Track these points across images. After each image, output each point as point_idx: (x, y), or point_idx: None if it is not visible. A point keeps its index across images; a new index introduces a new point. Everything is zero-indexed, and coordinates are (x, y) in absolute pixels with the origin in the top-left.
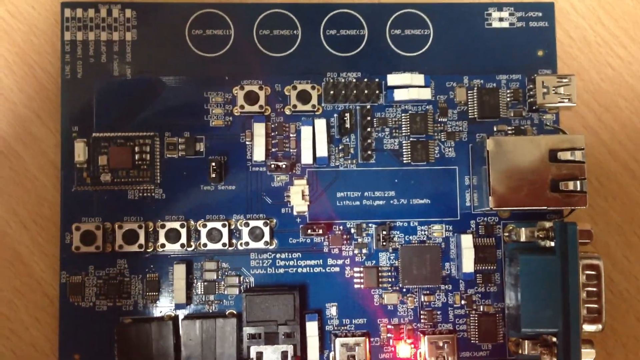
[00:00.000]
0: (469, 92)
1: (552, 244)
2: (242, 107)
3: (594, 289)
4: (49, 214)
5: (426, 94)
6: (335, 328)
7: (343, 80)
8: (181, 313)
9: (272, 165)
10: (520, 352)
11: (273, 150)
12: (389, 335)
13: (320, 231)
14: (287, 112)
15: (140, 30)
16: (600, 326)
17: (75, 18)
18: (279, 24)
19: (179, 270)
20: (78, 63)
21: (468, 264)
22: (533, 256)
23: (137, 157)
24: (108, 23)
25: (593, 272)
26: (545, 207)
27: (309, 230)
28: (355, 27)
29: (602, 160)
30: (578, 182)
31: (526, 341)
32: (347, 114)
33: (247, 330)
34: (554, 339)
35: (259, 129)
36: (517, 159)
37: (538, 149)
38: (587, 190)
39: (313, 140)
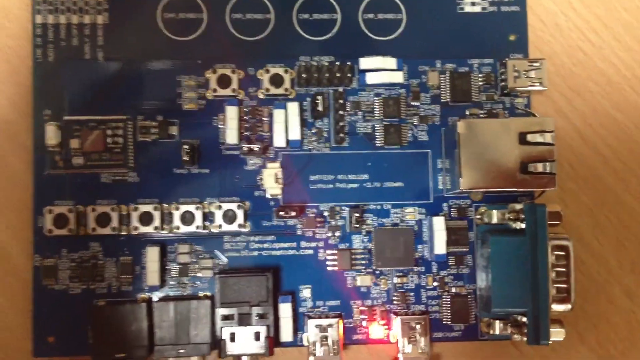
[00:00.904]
0: (441, 76)
1: (523, 225)
2: (214, 90)
3: (563, 270)
4: (22, 198)
5: (398, 77)
6: (309, 310)
7: (316, 64)
8: (155, 295)
9: (245, 149)
10: (491, 332)
11: (246, 133)
12: (362, 316)
13: (294, 213)
14: (260, 95)
15: (112, 13)
16: (569, 306)
17: (47, 1)
18: (252, 7)
19: (152, 253)
20: (49, 46)
21: (440, 246)
22: (503, 237)
23: (109, 140)
24: (80, 6)
25: (562, 253)
26: (515, 189)
27: (282, 213)
28: (328, 11)
29: (573, 144)
30: (547, 164)
31: (497, 321)
32: (320, 97)
33: (221, 311)
34: (524, 319)
35: (232, 112)
36: (487, 141)
37: (508, 131)
38: (557, 172)
39: (286, 124)
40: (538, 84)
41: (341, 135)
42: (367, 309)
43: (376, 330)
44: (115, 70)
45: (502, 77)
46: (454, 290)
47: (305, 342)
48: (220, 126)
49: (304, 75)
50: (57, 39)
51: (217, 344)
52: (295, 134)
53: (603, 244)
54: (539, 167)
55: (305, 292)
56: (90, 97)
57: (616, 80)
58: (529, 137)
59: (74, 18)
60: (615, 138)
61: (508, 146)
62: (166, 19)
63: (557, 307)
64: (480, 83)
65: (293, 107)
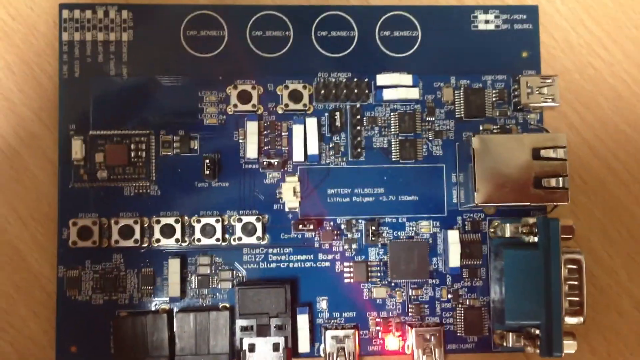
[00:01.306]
0: (455, 92)
1: (536, 239)
2: (235, 106)
3: (576, 283)
4: (47, 210)
5: (414, 93)
6: (326, 321)
7: (333, 80)
8: (176, 306)
9: (265, 162)
10: (504, 344)
11: (265, 148)
12: (377, 328)
13: (311, 226)
14: (279, 111)
15: (137, 31)
16: (581, 319)
17: (73, 19)
18: (271, 25)
19: (174, 265)
20: (75, 63)
21: (454, 259)
22: (517, 250)
23: (132, 154)
24: (105, 24)
25: (575, 267)
26: (529, 203)
27: (300, 226)
28: (345, 28)
29: (584, 159)
30: (560, 179)
31: (510, 333)
32: (338, 113)
33: (240, 322)
34: (537, 332)
35: (252, 127)
36: (501, 156)
37: (522, 147)
38: (570, 187)
39: (304, 139)
40: (550, 100)
41: (358, 149)
42: (382, 320)
43: (391, 341)
44: (138, 86)
45: (515, 93)
46: (467, 302)
47: (322, 353)
48: (240, 140)
49: (322, 91)
50: (83, 56)
51: (235, 354)
52: (313, 148)
53: (613, 257)
54: (552, 182)
55: (322, 304)
56: (114, 112)
57: (626, 96)
58: (542, 153)
59: (99, 35)
60: (625, 152)
61: (521, 161)
62: (188, 36)
63: (569, 320)
64: (494, 99)
65: (312, 123)
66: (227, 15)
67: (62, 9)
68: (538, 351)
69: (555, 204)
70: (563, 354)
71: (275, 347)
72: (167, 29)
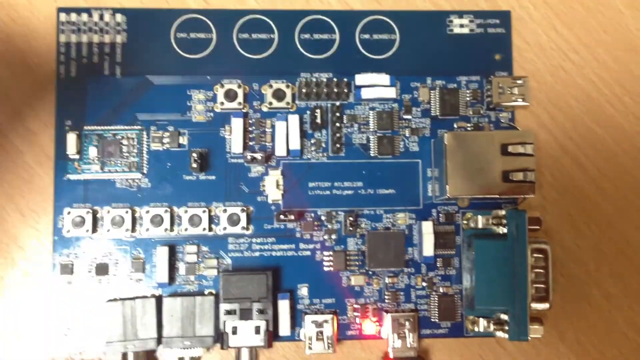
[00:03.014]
0: (431, 91)
1: (505, 230)
2: (222, 103)
3: (542, 271)
4: (44, 202)
5: (391, 92)
6: (306, 307)
7: (315, 79)
8: (164, 292)
9: (249, 157)
10: (475, 329)
11: (250, 143)
12: (355, 314)
13: (293, 217)
14: (264, 109)
15: (130, 34)
16: (547, 305)
17: (70, 22)
18: (257, 28)
19: (162, 253)
20: (72, 63)
21: (428, 248)
22: (487, 240)
23: (124, 149)
24: (100, 27)
25: (541, 256)
26: (497, 196)
27: (282, 216)
28: (327, 31)
29: (554, 156)
30: (527, 174)
31: (481, 319)
32: (319, 110)
33: (224, 306)
34: (506, 317)
35: (237, 124)
36: (472, 152)
37: (492, 143)
38: (540, 182)
39: (287, 135)
40: (521, 100)
41: (338, 145)
42: (360, 306)
43: (368, 326)
44: (131, 85)
45: (488, 93)
46: (441, 290)
47: (302, 337)
48: (226, 136)
49: (304, 90)
50: (79, 57)
51: (220, 337)
52: (295, 144)
53: (582, 248)
54: (520, 175)
55: (303, 291)
56: (108, 109)
57: (595, 97)
58: (510, 149)
59: (95, 37)
60: (593, 150)
61: (491, 157)
62: (179, 38)
63: (536, 306)
64: (468, 98)
65: (294, 120)
66: (215, 19)
67: (60, 12)
68: (507, 336)
69: (523, 196)
70: (530, 338)
71: (257, 329)
72: (158, 32)
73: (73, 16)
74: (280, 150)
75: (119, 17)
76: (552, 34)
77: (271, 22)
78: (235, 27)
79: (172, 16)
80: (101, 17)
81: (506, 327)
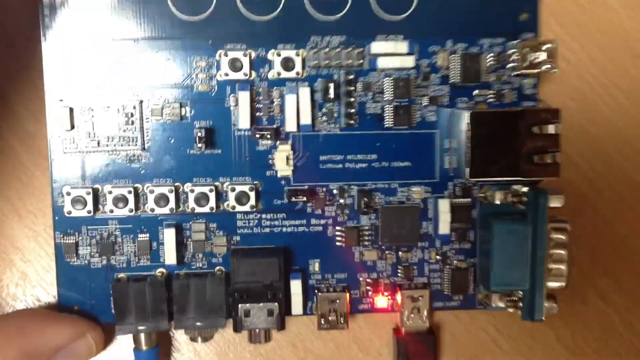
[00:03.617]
0: (451, 56)
1: (524, 207)
2: (226, 74)
3: (559, 251)
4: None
5: (409, 62)
6: (318, 282)
7: (327, 45)
8: (173, 270)
9: (257, 134)
10: (488, 303)
11: (258, 114)
12: (367, 288)
13: (305, 198)
14: (271, 76)
15: None
16: (564, 283)
17: None
18: None
19: (169, 234)
20: (58, 27)
21: (444, 227)
22: (505, 223)
23: (123, 122)
24: None
25: (560, 235)
26: (520, 179)
27: (293, 198)
28: None
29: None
30: (552, 155)
31: (494, 294)
32: (332, 84)
33: (235, 289)
34: (520, 294)
35: (244, 98)
36: (495, 132)
37: (515, 122)
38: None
39: (297, 110)
40: (548, 66)
41: (351, 116)
42: (372, 281)
43: (381, 300)
44: (125, 52)
45: (513, 57)
46: (455, 263)
47: (314, 312)
48: (231, 107)
49: (315, 58)
50: (63, 23)
51: (231, 315)
52: (306, 119)
53: (579, 249)
54: (545, 158)
55: (315, 266)
56: (101, 80)
57: (590, 97)
58: (534, 129)
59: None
60: (589, 150)
61: (514, 137)
62: None
63: (551, 285)
64: (490, 63)
65: (304, 93)
66: None
67: None
68: (519, 312)
69: (545, 179)
70: (544, 318)
71: (270, 312)
72: None
73: None
74: (290, 126)
75: None
76: (548, 34)
77: None
78: None
79: None
80: None
81: (520, 304)
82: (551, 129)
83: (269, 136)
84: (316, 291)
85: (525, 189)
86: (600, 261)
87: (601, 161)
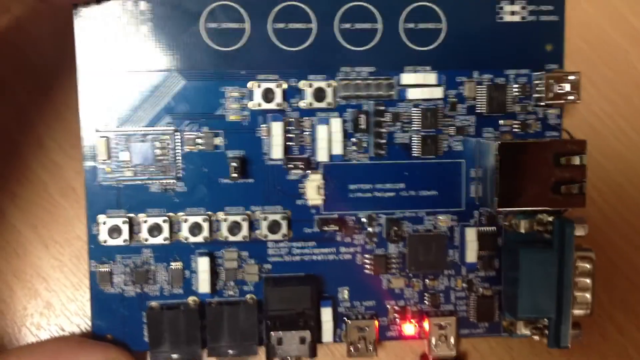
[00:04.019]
0: (477, 87)
1: (549, 236)
2: (259, 104)
3: (584, 279)
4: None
5: (438, 93)
6: (347, 310)
7: (357, 75)
8: (205, 299)
9: (289, 164)
10: (513, 330)
11: (289, 144)
12: (395, 315)
13: (337, 227)
14: (302, 105)
15: (155, 24)
16: (589, 311)
17: (90, 16)
18: (294, 17)
19: (203, 263)
20: (93, 61)
21: (471, 255)
22: (533, 251)
23: (157, 152)
24: (122, 17)
25: (585, 264)
26: (547, 208)
27: (325, 227)
28: (369, 20)
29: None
30: (579, 186)
31: (519, 322)
32: (363, 115)
33: (268, 317)
34: (546, 322)
35: (277, 129)
36: (522, 162)
37: (542, 153)
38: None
39: (329, 140)
40: (572, 97)
41: (380, 146)
42: (400, 309)
43: (408, 328)
44: (159, 82)
45: (537, 88)
46: (480, 291)
47: (343, 339)
48: (263, 137)
49: (345, 88)
50: (100, 53)
51: (263, 344)
52: (338, 149)
53: (596, 282)
54: (573, 189)
55: (344, 294)
56: (136, 109)
57: (602, 132)
58: (562, 160)
59: (117, 29)
60: (603, 184)
61: (541, 167)
62: (209, 28)
63: (577, 312)
64: (515, 93)
65: (336, 124)
66: (248, 7)
67: (76, 7)
68: (545, 340)
69: (570, 208)
70: (570, 345)
71: (302, 339)
72: (186, 21)
73: (90, 10)
74: (322, 156)
75: (143, 5)
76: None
77: (309, 10)
78: (270, 16)
79: (202, 4)
80: (123, 6)
81: (545, 331)
82: (577, 160)
83: (301, 166)
84: (345, 319)
85: (550, 218)
86: (618, 295)
87: (615, 195)
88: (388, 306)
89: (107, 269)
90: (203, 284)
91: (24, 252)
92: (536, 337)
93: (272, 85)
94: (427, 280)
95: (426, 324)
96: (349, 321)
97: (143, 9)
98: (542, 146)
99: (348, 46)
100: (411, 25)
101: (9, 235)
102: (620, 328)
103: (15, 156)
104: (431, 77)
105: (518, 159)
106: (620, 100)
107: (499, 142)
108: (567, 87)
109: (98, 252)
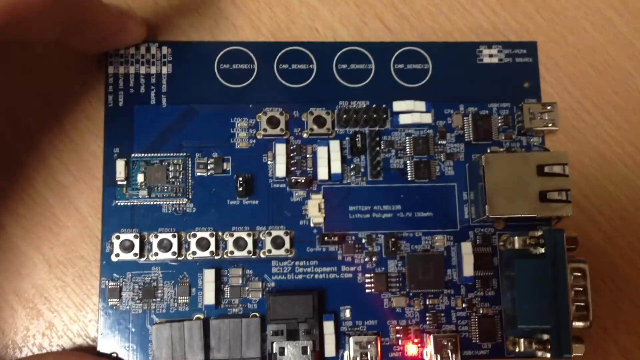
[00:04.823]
0: (464, 118)
1: (542, 250)
2: (265, 130)
3: (581, 289)
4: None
5: (427, 118)
6: (349, 329)
7: (354, 107)
8: (210, 314)
9: (292, 180)
10: (517, 350)
11: (292, 169)
12: (397, 335)
13: (336, 239)
14: (305, 135)
15: (175, 65)
16: (588, 323)
17: (119, 54)
18: (296, 59)
19: (209, 275)
20: (120, 93)
21: (468, 269)
22: (527, 260)
23: (170, 175)
24: (147, 58)
25: (580, 274)
26: (536, 215)
27: (326, 238)
28: (363, 62)
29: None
30: (564, 193)
31: (522, 339)
32: (359, 135)
33: (271, 327)
34: (547, 337)
35: (280, 149)
36: (509, 173)
37: (527, 164)
38: (572, 200)
39: (328, 160)
40: (551, 125)
41: (377, 170)
42: (402, 328)
43: (411, 348)
44: (176, 114)
45: (519, 119)
46: (481, 311)
47: (346, 359)
48: (268, 162)
49: (343, 117)
50: (126, 87)
51: (266, 358)
52: (336, 168)
53: (600, 305)
54: (556, 195)
55: (346, 313)
56: (154, 137)
57: (608, 155)
58: (547, 169)
59: (142, 69)
60: (607, 207)
61: (527, 177)
62: (222, 69)
63: (576, 324)
64: (500, 124)
65: (335, 145)
66: (257, 51)
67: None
68: (549, 355)
69: (560, 215)
70: (572, 356)
71: (304, 350)
72: (202, 63)
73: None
74: (322, 174)
75: (165, 50)
76: (565, 96)
77: (310, 54)
78: (276, 59)
79: (216, 48)
80: (148, 50)
81: (548, 346)
82: (559, 169)
83: (302, 181)
84: (347, 337)
85: (539, 233)
86: (622, 318)
87: (620, 218)
88: (390, 326)
89: (116, 286)
90: (208, 295)
91: (27, 272)
92: (539, 353)
93: (276, 113)
94: (427, 300)
95: (430, 345)
96: (351, 338)
97: (165, 52)
98: (526, 158)
99: (345, 83)
100: (401, 66)
101: (12, 255)
102: (623, 351)
103: (19, 176)
104: (421, 105)
105: (506, 171)
106: (623, 123)
107: (486, 154)
108: (545, 116)
109: (109, 269)
